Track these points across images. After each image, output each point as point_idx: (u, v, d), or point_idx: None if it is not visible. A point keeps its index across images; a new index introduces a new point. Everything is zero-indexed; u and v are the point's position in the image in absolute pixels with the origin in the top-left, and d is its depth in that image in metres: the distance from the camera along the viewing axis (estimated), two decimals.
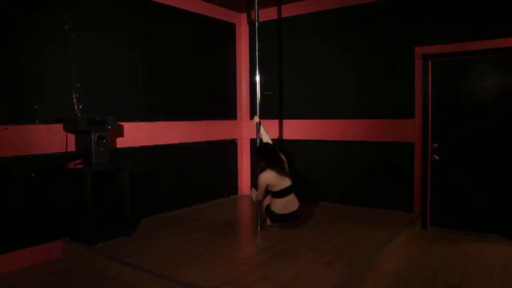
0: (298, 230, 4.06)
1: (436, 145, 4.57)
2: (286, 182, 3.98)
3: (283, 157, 4.14)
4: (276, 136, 5.68)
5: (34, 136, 3.65)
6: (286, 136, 5.64)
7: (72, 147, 3.91)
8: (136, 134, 4.54)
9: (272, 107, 5.68)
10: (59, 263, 3.68)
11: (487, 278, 3.28)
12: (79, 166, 3.70)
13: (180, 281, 2.93)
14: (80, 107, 3.93)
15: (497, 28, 4.16)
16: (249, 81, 5.94)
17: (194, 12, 5.21)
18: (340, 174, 5.25)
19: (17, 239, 3.57)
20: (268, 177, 3.93)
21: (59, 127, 3.81)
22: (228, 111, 5.84)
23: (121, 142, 4.37)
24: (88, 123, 3.69)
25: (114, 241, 3.80)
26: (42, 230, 3.73)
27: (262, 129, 4.32)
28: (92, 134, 3.72)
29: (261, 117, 4.36)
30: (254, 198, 4.13)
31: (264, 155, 4.04)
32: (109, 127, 3.87)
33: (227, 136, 5.79)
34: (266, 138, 4.30)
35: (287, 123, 5.63)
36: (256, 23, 4.41)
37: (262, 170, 4.03)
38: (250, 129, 5.84)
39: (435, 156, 4.58)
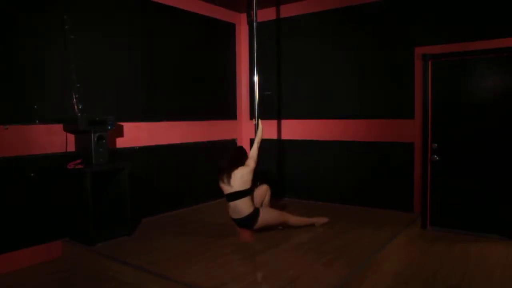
0: (298, 230, 4.05)
1: (436, 145, 4.57)
2: (231, 188, 3.78)
3: (248, 160, 3.93)
4: (275, 136, 5.69)
5: (34, 136, 3.65)
6: (286, 136, 5.64)
7: (72, 147, 3.91)
8: (136, 134, 4.54)
9: (272, 107, 5.68)
10: (59, 263, 3.68)
11: (487, 278, 3.28)
12: (79, 166, 3.70)
13: (180, 281, 2.92)
14: (80, 107, 3.93)
15: (497, 28, 4.16)
16: (249, 81, 5.93)
17: (194, 12, 5.21)
18: (340, 174, 5.25)
19: (17, 239, 3.57)
20: (219, 180, 3.88)
21: (59, 127, 3.81)
22: (228, 111, 5.84)
23: (121, 142, 4.37)
24: (88, 123, 3.69)
25: (114, 241, 3.80)
26: (42, 230, 3.73)
27: (258, 130, 4.30)
28: (92, 134, 3.72)
29: (260, 117, 4.37)
30: None
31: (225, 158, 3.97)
32: (109, 127, 3.87)
33: (227, 136, 5.79)
34: (256, 140, 4.20)
35: (287, 123, 5.63)
36: (255, 23, 4.42)
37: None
38: (250, 129, 5.83)
39: (435, 156, 4.58)
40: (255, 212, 3.80)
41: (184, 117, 5.12)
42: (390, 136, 4.84)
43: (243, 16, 5.81)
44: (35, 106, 3.65)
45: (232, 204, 3.79)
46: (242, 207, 3.76)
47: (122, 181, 3.94)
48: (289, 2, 5.42)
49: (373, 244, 3.66)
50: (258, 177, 4.62)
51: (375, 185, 5.00)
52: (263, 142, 4.35)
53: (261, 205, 4.12)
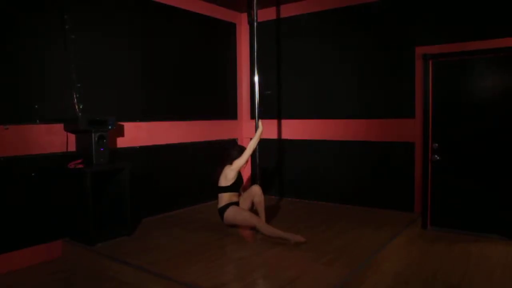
0: (298, 230, 4.05)
1: (437, 145, 4.57)
2: (219, 182, 4.17)
3: (238, 160, 4.11)
4: (275, 136, 5.69)
5: (34, 136, 3.65)
6: (286, 136, 5.65)
7: (72, 147, 3.91)
8: (136, 134, 4.54)
9: (272, 107, 5.68)
10: (59, 263, 3.68)
11: (487, 278, 3.28)
12: (79, 166, 3.70)
13: (180, 281, 2.92)
14: (81, 107, 3.93)
15: (496, 28, 4.16)
16: (249, 81, 5.94)
17: (194, 12, 5.21)
18: (340, 174, 5.25)
19: (17, 239, 3.57)
20: None
21: (59, 127, 3.81)
22: (228, 111, 5.84)
23: (121, 142, 4.38)
24: (88, 123, 3.69)
25: (114, 241, 3.80)
26: (42, 230, 3.73)
27: (257, 132, 4.29)
28: (93, 134, 3.72)
29: (260, 117, 4.36)
30: None
31: None
32: (110, 127, 3.87)
33: (227, 136, 5.79)
34: (252, 142, 4.20)
35: (287, 123, 5.63)
36: (255, 23, 4.41)
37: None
38: (250, 129, 5.83)
39: (436, 156, 4.58)
40: (223, 208, 4.09)
41: (184, 117, 5.12)
42: (391, 136, 4.84)
43: (244, 16, 5.81)
44: (36, 106, 3.65)
45: (218, 195, 4.19)
46: (220, 200, 4.15)
47: (122, 181, 3.94)
48: (289, 2, 5.42)
49: (373, 244, 3.66)
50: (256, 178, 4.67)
51: (375, 185, 5.00)
52: (263, 142, 4.34)
53: (252, 205, 4.15)
